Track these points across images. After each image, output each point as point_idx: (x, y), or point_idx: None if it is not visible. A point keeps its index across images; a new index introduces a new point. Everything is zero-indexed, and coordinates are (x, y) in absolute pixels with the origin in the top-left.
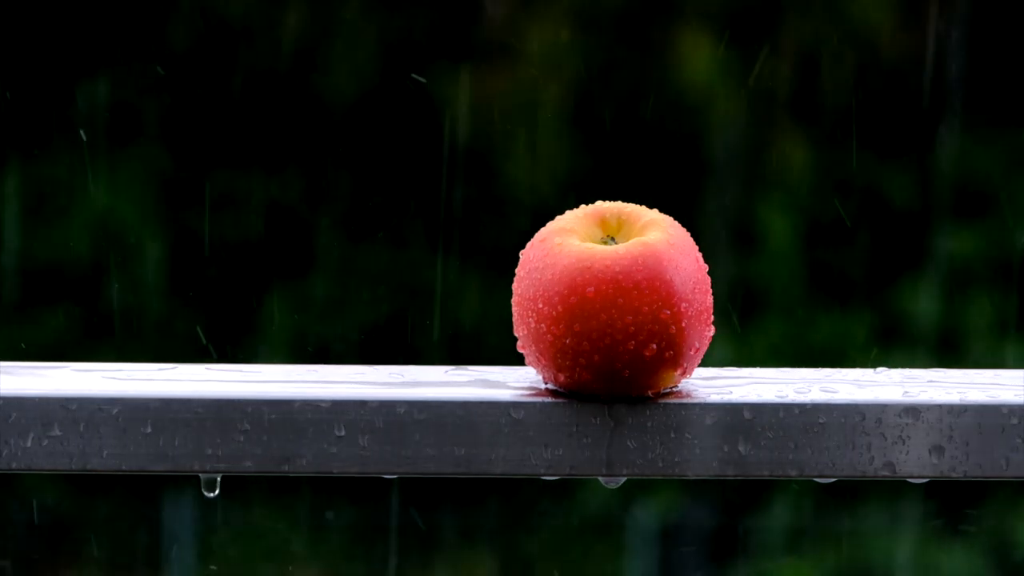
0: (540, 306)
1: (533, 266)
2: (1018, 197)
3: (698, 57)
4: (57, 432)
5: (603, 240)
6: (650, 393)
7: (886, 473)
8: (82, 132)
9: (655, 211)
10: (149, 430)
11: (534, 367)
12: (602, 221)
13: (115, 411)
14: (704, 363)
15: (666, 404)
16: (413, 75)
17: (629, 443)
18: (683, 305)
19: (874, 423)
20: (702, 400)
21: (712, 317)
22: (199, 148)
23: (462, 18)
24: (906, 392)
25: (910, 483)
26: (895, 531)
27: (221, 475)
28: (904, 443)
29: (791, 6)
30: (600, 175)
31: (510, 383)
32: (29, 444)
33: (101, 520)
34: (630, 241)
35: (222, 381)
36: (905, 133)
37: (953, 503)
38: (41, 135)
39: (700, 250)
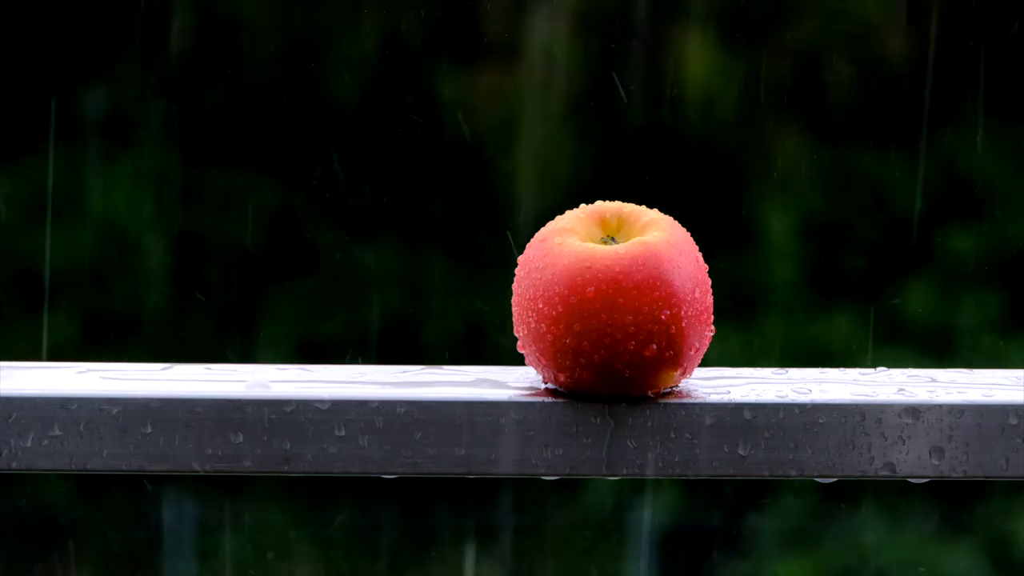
0: (540, 306)
1: (533, 266)
2: (1019, 196)
3: (698, 56)
4: (57, 432)
5: (603, 240)
6: (650, 393)
7: (886, 473)
8: (82, 132)
9: (655, 211)
10: (149, 430)
11: (534, 367)
12: (602, 221)
13: (115, 411)
14: (704, 363)
15: (666, 404)
16: (413, 75)
17: (629, 443)
18: (683, 305)
19: (874, 423)
20: (702, 400)
21: (712, 317)
22: (200, 148)
23: (462, 18)
24: (906, 392)
25: (910, 483)
26: (895, 531)
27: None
28: (904, 443)
29: (792, 4)
30: (600, 175)
31: (510, 383)
32: (29, 444)
33: (101, 520)
34: (630, 241)
35: (222, 381)
36: (906, 131)
37: (953, 503)
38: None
39: (700, 250)
